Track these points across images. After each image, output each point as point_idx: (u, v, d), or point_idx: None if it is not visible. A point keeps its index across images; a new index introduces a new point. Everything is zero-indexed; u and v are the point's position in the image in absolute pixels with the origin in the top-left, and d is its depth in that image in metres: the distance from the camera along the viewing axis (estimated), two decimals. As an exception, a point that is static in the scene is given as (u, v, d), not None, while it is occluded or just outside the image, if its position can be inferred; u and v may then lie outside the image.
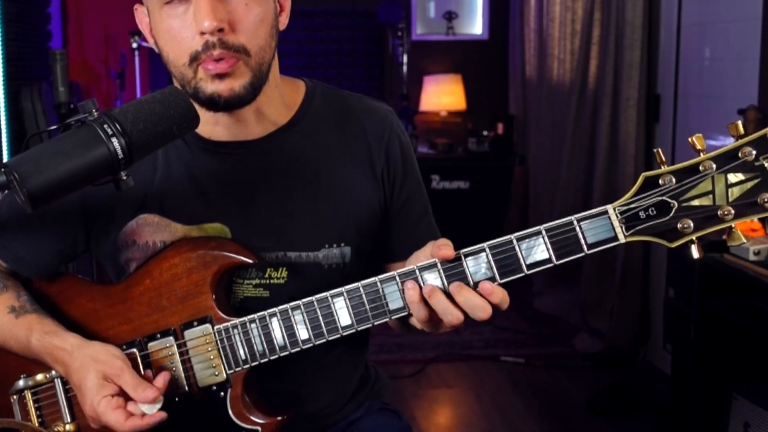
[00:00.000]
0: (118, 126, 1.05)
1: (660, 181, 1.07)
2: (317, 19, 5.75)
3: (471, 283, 1.12)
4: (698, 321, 2.62)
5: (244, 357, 1.22)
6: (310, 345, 1.19)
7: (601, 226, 1.08)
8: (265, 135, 1.35)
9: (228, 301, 1.28)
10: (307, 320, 1.19)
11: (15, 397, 1.30)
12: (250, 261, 1.24)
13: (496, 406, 3.52)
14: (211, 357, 1.24)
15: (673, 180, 1.06)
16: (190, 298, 1.25)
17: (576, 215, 1.09)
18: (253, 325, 1.21)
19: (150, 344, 1.26)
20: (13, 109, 3.33)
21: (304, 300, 1.19)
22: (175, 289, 1.26)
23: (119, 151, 1.05)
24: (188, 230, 1.33)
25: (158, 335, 1.26)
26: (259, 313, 1.21)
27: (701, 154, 1.05)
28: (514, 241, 1.11)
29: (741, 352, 2.59)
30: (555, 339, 4.26)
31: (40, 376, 1.28)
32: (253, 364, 1.22)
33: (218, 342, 1.23)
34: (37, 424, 1.28)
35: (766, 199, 1.02)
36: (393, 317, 1.17)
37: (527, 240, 1.10)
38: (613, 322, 3.91)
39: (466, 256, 1.12)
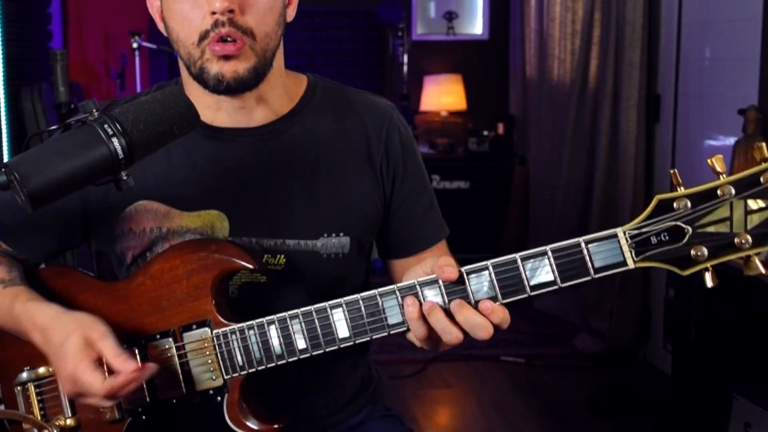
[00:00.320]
0: (118, 126, 1.05)
1: (674, 205, 1.01)
2: (317, 19, 5.75)
3: (472, 301, 1.09)
4: (698, 321, 2.62)
5: (241, 363, 1.22)
6: (308, 355, 1.19)
7: (610, 249, 1.04)
8: (266, 123, 1.37)
9: (227, 305, 1.28)
10: (305, 330, 1.17)
11: (19, 388, 1.30)
12: (251, 266, 1.24)
13: (496, 406, 3.52)
14: (209, 361, 1.23)
15: (689, 204, 1.01)
16: (190, 300, 1.25)
17: (584, 237, 1.05)
18: (251, 332, 1.21)
19: (149, 344, 1.26)
20: (14, 109, 3.33)
21: (302, 309, 1.18)
22: (175, 291, 1.26)
23: (119, 151, 1.05)
24: (186, 216, 1.34)
25: (158, 336, 1.26)
26: (257, 320, 1.21)
27: (720, 176, 1.00)
28: (519, 261, 1.07)
29: (741, 352, 2.59)
30: (555, 339, 4.26)
31: (42, 370, 1.29)
32: (251, 370, 1.22)
33: (216, 347, 1.23)
34: (39, 417, 1.29)
35: None
36: (391, 332, 1.15)
37: (532, 260, 1.07)
38: (614, 322, 3.91)
39: (468, 273, 1.09)
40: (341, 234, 1.36)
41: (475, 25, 6.03)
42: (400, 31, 5.38)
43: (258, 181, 1.35)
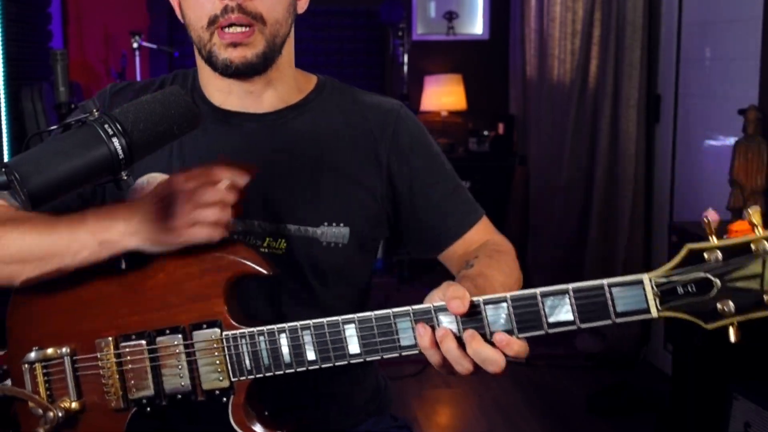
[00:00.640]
0: (118, 126, 1.05)
1: (705, 256, 0.97)
2: (318, 19, 5.75)
3: (488, 333, 1.06)
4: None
5: (249, 367, 1.21)
6: (317, 367, 1.17)
7: (634, 295, 1.00)
8: (275, 110, 1.41)
9: (239, 308, 1.27)
10: (315, 342, 1.16)
11: (26, 366, 1.30)
12: (265, 272, 1.23)
13: (497, 405, 3.52)
14: (217, 362, 1.23)
15: (720, 256, 0.96)
16: (202, 299, 1.25)
17: (608, 279, 1.01)
18: (261, 338, 1.20)
19: (159, 339, 1.25)
20: (14, 109, 3.33)
21: (314, 321, 1.16)
22: (186, 288, 1.25)
23: (120, 151, 1.05)
24: None
25: (167, 331, 1.25)
26: (268, 327, 1.20)
27: (756, 229, 0.95)
28: (539, 297, 1.04)
29: (741, 352, 2.59)
30: (556, 339, 4.25)
31: (50, 350, 1.28)
32: (258, 375, 1.21)
33: (225, 348, 1.22)
34: (45, 398, 1.29)
35: None
36: (403, 353, 1.12)
37: (552, 297, 1.04)
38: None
39: (486, 303, 1.06)
40: (341, 224, 1.38)
41: (476, 25, 6.03)
42: (400, 30, 5.38)
43: (263, 166, 1.35)
